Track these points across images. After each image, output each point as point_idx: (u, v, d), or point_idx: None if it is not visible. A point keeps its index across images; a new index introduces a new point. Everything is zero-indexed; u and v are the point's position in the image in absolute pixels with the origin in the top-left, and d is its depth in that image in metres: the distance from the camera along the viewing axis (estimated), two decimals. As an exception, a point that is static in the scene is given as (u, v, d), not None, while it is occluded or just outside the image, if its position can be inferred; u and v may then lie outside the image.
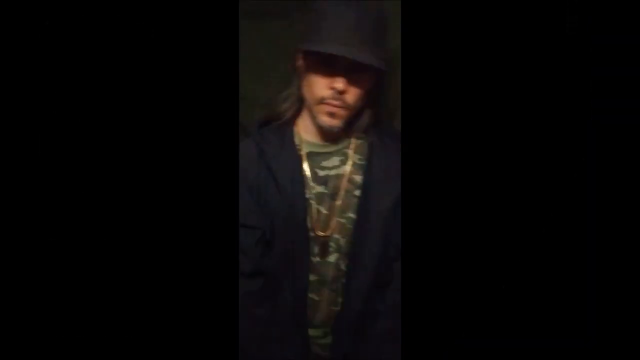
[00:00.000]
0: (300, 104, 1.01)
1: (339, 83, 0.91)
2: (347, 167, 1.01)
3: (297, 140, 1.02)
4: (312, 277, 0.99)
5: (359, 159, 1.02)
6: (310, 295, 1.00)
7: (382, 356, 0.97)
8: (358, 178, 1.01)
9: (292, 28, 2.14)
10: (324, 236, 0.99)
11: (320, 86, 0.93)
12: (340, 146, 1.03)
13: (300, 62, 0.97)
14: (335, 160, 1.02)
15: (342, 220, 0.99)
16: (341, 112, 0.94)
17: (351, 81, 0.92)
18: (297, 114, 1.03)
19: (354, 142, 1.03)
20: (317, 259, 0.99)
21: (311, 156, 1.02)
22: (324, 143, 1.02)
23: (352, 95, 0.94)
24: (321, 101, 0.94)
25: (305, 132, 1.03)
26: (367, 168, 1.01)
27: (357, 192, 1.00)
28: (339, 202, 0.99)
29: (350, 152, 1.02)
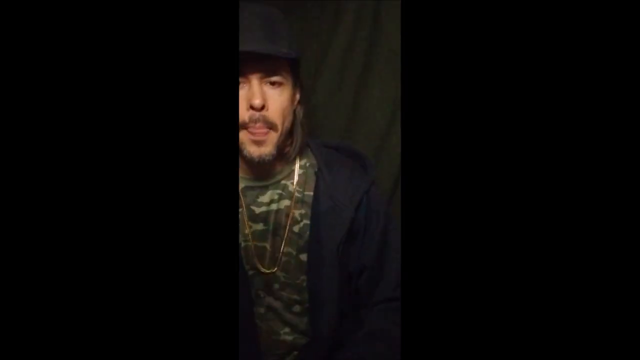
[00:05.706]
0: None
1: (256, 98, 0.84)
2: (287, 201, 0.95)
3: None
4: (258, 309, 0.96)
5: (298, 191, 0.95)
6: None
7: None
8: (299, 213, 0.95)
9: (291, 28, 2.15)
10: (267, 273, 0.94)
11: (240, 110, 0.85)
12: (277, 178, 0.95)
13: None
14: (273, 194, 0.95)
15: (286, 258, 0.95)
16: (268, 137, 0.87)
17: (267, 94, 0.86)
18: None
19: (294, 172, 0.96)
20: (262, 294, 0.96)
21: (245, 191, 0.94)
22: (255, 177, 0.94)
23: (273, 111, 0.87)
24: (243, 127, 0.86)
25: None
26: (313, 200, 0.94)
27: (296, 229, 0.94)
28: (279, 238, 0.94)
29: (288, 183, 0.95)
